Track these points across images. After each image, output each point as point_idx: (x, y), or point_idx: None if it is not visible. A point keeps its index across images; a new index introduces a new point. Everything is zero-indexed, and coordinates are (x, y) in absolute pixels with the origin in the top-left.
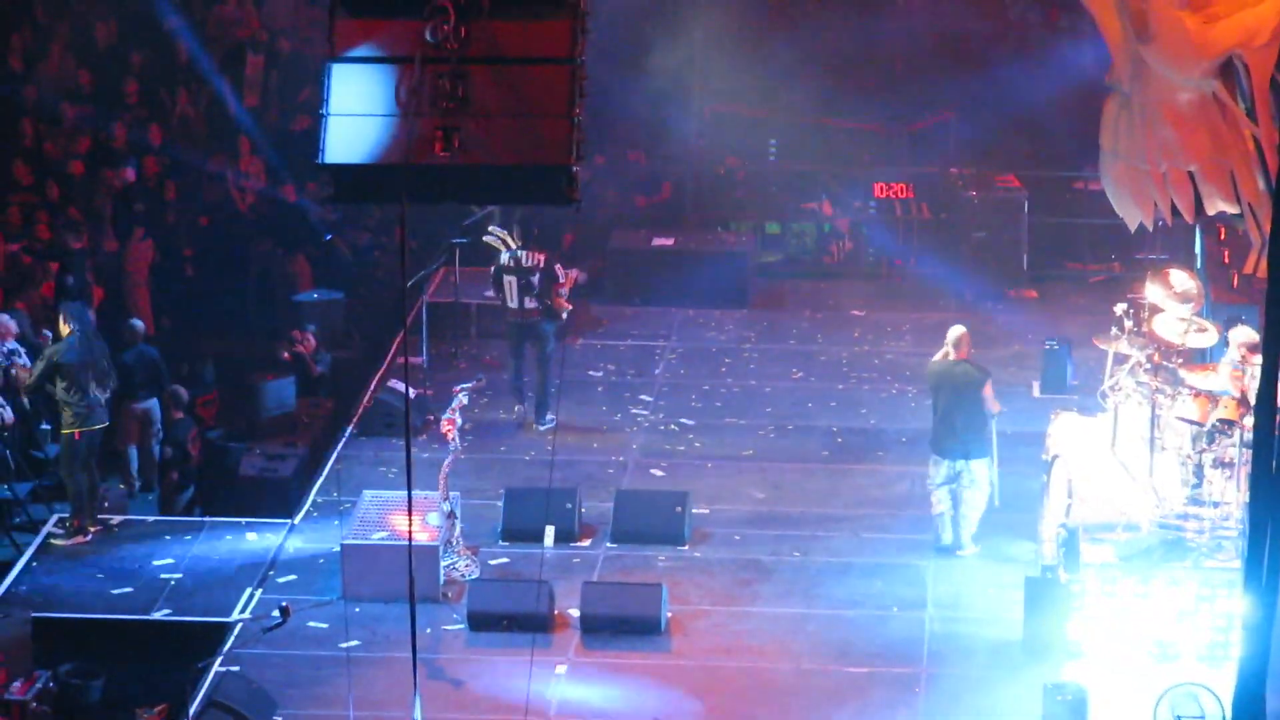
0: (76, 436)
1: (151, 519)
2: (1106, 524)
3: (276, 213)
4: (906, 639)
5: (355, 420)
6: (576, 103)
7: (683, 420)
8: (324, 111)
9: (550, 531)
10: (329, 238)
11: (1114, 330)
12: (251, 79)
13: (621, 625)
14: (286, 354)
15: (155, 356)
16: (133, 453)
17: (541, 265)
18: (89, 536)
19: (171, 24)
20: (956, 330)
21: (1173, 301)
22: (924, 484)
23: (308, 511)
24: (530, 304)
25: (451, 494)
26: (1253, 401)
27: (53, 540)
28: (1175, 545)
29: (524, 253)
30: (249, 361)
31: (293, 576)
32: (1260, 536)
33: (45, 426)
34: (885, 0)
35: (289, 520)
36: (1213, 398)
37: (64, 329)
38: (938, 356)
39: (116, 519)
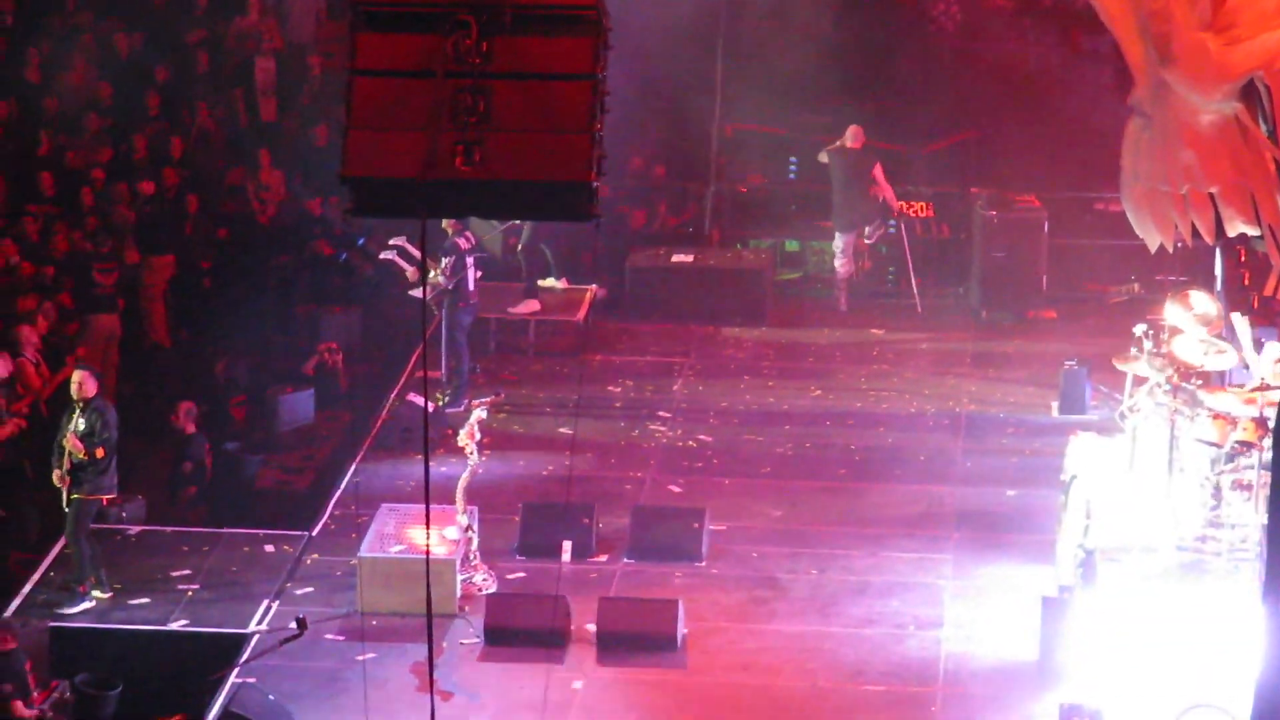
0: (105, 503)
1: (170, 530)
2: (1124, 545)
3: (297, 226)
4: (922, 658)
5: (373, 434)
6: (598, 118)
7: (700, 437)
8: (345, 124)
9: (567, 547)
10: (344, 258)
11: (1133, 351)
12: (264, 87)
13: (637, 641)
14: (311, 367)
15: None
16: None
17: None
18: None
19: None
20: (853, 126)
21: (1192, 323)
22: (937, 503)
23: (325, 524)
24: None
25: (469, 508)
26: (1271, 424)
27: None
28: (1193, 567)
29: (466, 234)
30: (268, 374)
31: (310, 589)
32: (1277, 558)
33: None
34: (909, 21)
35: (307, 532)
36: (1231, 419)
37: (92, 387)
38: (835, 145)
39: (135, 530)
